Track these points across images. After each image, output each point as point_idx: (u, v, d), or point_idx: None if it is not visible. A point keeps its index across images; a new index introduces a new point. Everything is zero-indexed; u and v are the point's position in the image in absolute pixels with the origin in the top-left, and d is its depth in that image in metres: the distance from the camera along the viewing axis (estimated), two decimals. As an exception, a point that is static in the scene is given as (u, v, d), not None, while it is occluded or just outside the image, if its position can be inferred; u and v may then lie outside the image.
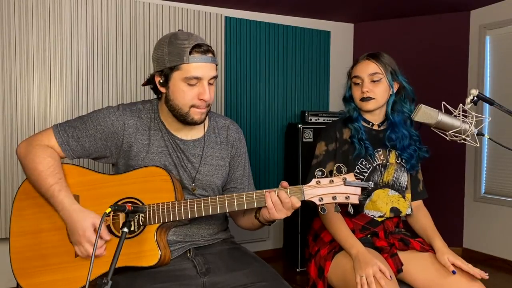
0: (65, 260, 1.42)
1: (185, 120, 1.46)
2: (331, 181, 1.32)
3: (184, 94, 1.42)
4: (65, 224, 1.40)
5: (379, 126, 1.81)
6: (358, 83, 1.76)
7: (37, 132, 1.56)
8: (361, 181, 1.45)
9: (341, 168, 1.33)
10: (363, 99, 1.74)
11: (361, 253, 1.56)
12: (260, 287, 1.38)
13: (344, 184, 1.32)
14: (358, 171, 1.72)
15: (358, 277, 1.49)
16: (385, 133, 1.79)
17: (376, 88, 1.73)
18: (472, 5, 3.47)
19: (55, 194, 1.39)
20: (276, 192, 1.33)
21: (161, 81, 1.45)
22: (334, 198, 1.32)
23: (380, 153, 1.77)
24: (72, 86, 2.88)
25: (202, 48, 1.40)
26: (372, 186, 1.52)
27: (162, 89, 1.46)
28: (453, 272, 1.53)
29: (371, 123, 1.80)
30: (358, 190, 1.32)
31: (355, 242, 1.61)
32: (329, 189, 1.32)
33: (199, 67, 1.40)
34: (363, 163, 1.73)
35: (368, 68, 1.74)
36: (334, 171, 1.33)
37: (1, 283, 2.72)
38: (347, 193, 1.32)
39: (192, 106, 1.43)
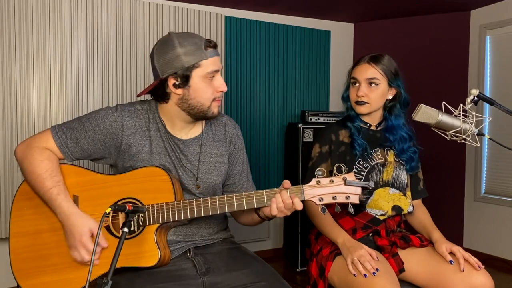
0: (65, 260, 1.41)
1: (205, 116, 1.48)
2: (331, 181, 1.32)
3: (206, 90, 1.43)
4: (63, 227, 1.40)
5: (376, 127, 1.82)
6: (356, 84, 1.77)
7: (36, 133, 1.55)
8: (361, 181, 1.44)
9: (342, 167, 1.33)
10: (357, 102, 1.75)
11: (347, 241, 1.61)
12: (260, 287, 1.38)
13: (345, 183, 1.31)
14: (356, 170, 1.72)
15: (348, 260, 1.53)
16: (383, 133, 1.80)
17: (372, 93, 1.73)
18: (472, 5, 3.47)
19: (53, 198, 1.39)
20: (278, 191, 1.33)
21: (176, 83, 1.42)
22: (334, 198, 1.31)
23: (378, 152, 1.77)
24: (72, 87, 2.87)
25: (211, 43, 1.44)
26: (373, 185, 1.51)
27: (178, 91, 1.43)
28: (451, 262, 1.54)
29: (368, 124, 1.81)
30: (359, 190, 1.31)
31: (340, 232, 1.66)
32: (329, 189, 1.32)
33: (215, 61, 1.44)
34: (361, 162, 1.74)
35: (367, 72, 1.73)
36: (335, 171, 1.33)
37: (1, 283, 2.72)
38: (347, 193, 1.31)
39: (213, 99, 1.46)
